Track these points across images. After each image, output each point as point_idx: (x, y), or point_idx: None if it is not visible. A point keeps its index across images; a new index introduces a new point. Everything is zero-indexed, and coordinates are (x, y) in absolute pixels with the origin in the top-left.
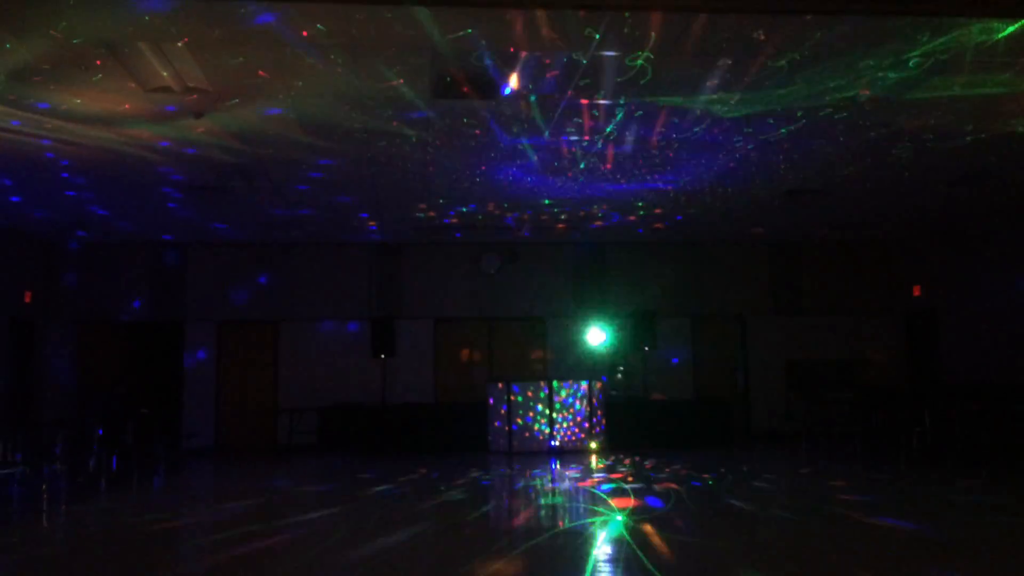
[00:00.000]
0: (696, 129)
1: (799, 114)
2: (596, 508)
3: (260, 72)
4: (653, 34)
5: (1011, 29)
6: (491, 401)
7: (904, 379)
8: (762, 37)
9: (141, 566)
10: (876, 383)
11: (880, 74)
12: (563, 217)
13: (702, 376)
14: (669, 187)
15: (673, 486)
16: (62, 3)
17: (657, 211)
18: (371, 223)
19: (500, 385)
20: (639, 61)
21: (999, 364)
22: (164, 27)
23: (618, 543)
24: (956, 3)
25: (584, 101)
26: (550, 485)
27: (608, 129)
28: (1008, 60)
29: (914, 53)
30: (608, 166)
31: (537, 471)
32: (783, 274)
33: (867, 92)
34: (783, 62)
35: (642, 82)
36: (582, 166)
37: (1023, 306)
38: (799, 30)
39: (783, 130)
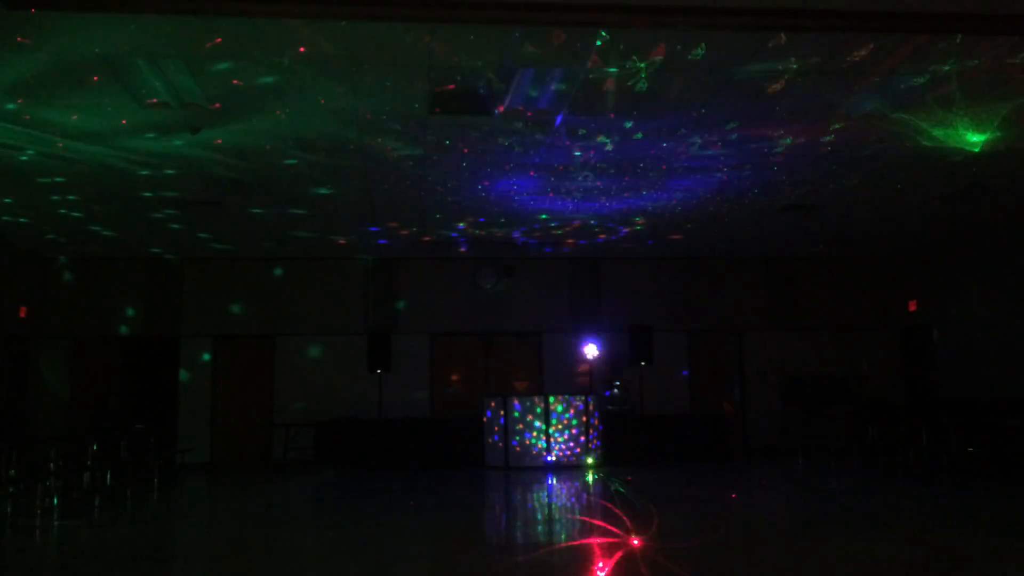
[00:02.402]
0: (694, 146)
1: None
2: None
3: (256, 87)
4: (652, 52)
5: None
6: (487, 416)
7: (900, 394)
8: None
9: None
10: (872, 398)
11: (873, 91)
12: (560, 232)
13: (699, 391)
14: (666, 202)
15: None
16: (59, 20)
17: (654, 226)
18: (367, 238)
19: (496, 400)
20: (640, 84)
21: (994, 378)
22: (160, 42)
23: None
24: (944, 21)
25: (582, 117)
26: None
27: (606, 145)
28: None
29: (903, 72)
30: (604, 182)
31: (534, 487)
32: (779, 289)
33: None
34: (779, 84)
35: (639, 99)
36: (579, 181)
37: (1018, 320)
38: (793, 49)
39: (779, 148)
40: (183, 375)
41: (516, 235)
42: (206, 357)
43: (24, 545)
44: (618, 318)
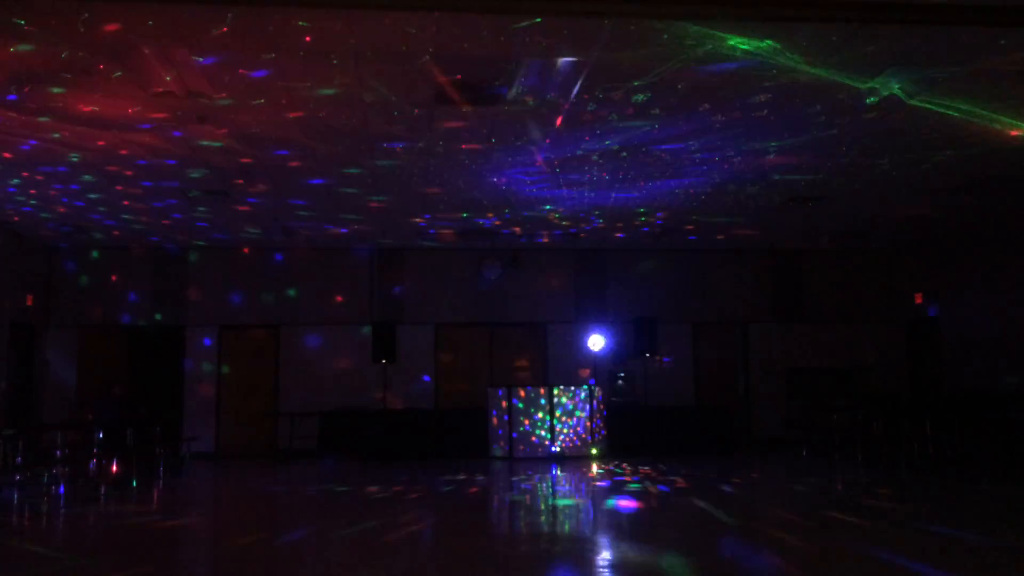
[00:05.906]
0: (698, 144)
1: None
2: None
3: (263, 76)
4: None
5: None
6: (492, 407)
7: (905, 387)
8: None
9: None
10: (877, 391)
11: (886, 81)
12: (564, 224)
13: (703, 383)
14: (671, 194)
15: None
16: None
17: (658, 218)
18: (371, 228)
19: (501, 391)
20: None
21: (1000, 372)
22: (165, 30)
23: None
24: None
25: (587, 108)
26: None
27: (613, 133)
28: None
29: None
30: (608, 174)
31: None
32: (785, 281)
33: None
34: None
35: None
36: (584, 173)
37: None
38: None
39: (789, 140)
40: (189, 364)
41: (522, 226)
42: (212, 346)
43: (31, 532)
44: (623, 309)
